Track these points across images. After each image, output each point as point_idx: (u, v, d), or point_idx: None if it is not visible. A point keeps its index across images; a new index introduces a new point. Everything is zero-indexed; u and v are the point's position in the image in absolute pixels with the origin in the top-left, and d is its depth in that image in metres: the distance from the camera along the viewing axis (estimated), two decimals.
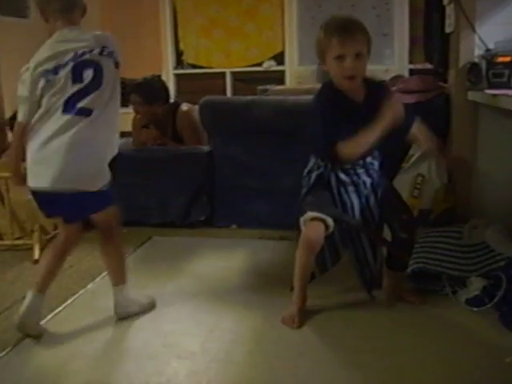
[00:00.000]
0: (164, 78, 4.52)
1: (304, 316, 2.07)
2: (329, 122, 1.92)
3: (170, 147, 3.44)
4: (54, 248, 2.10)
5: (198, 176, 3.35)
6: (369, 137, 1.87)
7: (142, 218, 3.30)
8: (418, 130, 2.10)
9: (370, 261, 2.15)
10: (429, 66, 3.65)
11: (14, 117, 2.31)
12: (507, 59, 2.51)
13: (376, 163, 2.10)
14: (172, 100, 3.61)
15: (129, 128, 3.59)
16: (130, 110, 3.45)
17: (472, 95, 2.73)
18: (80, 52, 1.91)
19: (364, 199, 2.07)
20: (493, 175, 2.72)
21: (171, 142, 3.47)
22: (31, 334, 2.00)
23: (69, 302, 2.33)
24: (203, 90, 4.80)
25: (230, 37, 5.59)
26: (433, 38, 3.28)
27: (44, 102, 1.91)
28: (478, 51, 2.75)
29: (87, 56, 1.92)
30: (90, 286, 2.51)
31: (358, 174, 2.05)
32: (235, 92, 5.60)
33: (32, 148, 1.93)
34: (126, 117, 3.04)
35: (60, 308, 2.26)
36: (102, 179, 1.96)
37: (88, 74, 1.90)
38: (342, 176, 2.04)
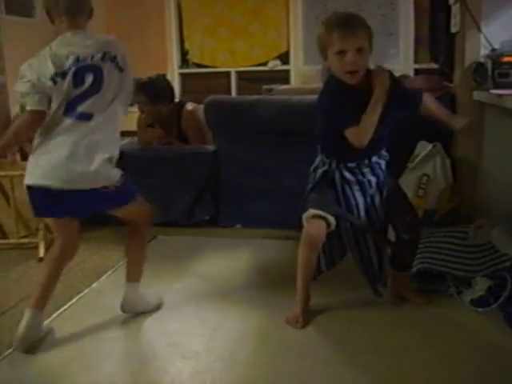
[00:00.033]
0: (169, 77, 4.53)
1: (308, 316, 2.07)
2: (336, 110, 1.93)
3: (174, 146, 3.44)
4: (50, 262, 2.05)
5: (203, 175, 3.35)
6: (371, 115, 1.88)
7: None
8: (432, 103, 2.13)
9: (374, 261, 2.15)
10: (434, 65, 3.65)
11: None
12: None
13: (383, 163, 2.09)
14: (177, 99, 3.61)
15: (134, 127, 3.60)
16: (135, 109, 3.46)
17: (477, 95, 2.72)
18: (82, 57, 1.92)
19: (369, 198, 2.07)
20: (498, 175, 2.72)
21: (176, 141, 3.47)
22: (36, 346, 1.97)
23: (74, 300, 2.34)
24: (208, 89, 4.80)
25: (235, 36, 5.59)
26: (438, 38, 3.27)
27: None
28: (484, 51, 2.74)
29: (88, 61, 1.92)
30: (95, 284, 2.51)
31: (363, 173, 2.05)
32: (240, 91, 5.60)
33: (36, 148, 1.94)
34: (131, 116, 3.04)
35: (65, 307, 2.27)
36: (102, 179, 1.95)
37: (88, 79, 1.92)
38: (347, 175, 2.04)
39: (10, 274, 2.68)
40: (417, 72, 4.87)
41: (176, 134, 3.49)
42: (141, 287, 2.19)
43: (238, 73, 5.66)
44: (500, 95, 2.37)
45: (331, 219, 1.98)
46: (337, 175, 2.05)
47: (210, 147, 3.38)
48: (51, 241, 2.95)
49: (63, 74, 1.90)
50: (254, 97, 3.30)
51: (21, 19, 4.51)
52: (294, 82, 5.44)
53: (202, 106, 3.38)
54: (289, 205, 2.77)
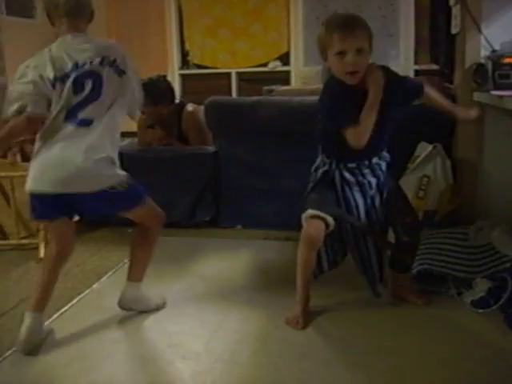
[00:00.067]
0: (169, 78, 4.51)
1: (308, 316, 2.08)
2: (336, 110, 1.94)
3: (175, 147, 3.44)
4: (47, 264, 2.04)
5: (204, 176, 3.35)
6: (367, 117, 1.88)
7: None
8: (434, 93, 2.12)
9: (374, 262, 2.15)
10: (434, 66, 3.65)
11: None
12: None
13: (383, 164, 2.09)
14: (177, 100, 3.61)
15: (134, 128, 3.60)
16: None
17: (478, 96, 2.72)
18: (81, 63, 1.92)
19: (369, 200, 2.07)
20: (498, 176, 2.72)
21: (176, 142, 3.47)
22: (37, 347, 1.97)
23: (74, 301, 2.34)
24: (208, 90, 4.80)
25: (236, 37, 5.58)
26: (439, 39, 3.27)
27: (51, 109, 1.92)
28: (484, 52, 2.74)
29: (87, 67, 1.93)
30: (95, 285, 2.51)
31: (363, 174, 2.05)
32: (240, 92, 5.59)
33: (37, 153, 1.94)
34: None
35: (65, 307, 2.27)
36: (107, 179, 1.95)
37: (88, 85, 1.92)
38: (347, 175, 2.04)
39: (10, 275, 2.68)
40: (417, 73, 4.86)
41: (176, 135, 3.49)
42: (142, 287, 2.19)
43: (239, 74, 5.66)
44: (500, 96, 2.37)
45: (330, 220, 1.99)
46: (337, 176, 2.05)
47: (211, 148, 3.38)
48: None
49: (62, 79, 1.90)
50: (255, 98, 3.30)
51: (21, 20, 4.51)
52: (295, 82, 5.43)
53: (202, 107, 3.38)
54: (289, 206, 2.78)
